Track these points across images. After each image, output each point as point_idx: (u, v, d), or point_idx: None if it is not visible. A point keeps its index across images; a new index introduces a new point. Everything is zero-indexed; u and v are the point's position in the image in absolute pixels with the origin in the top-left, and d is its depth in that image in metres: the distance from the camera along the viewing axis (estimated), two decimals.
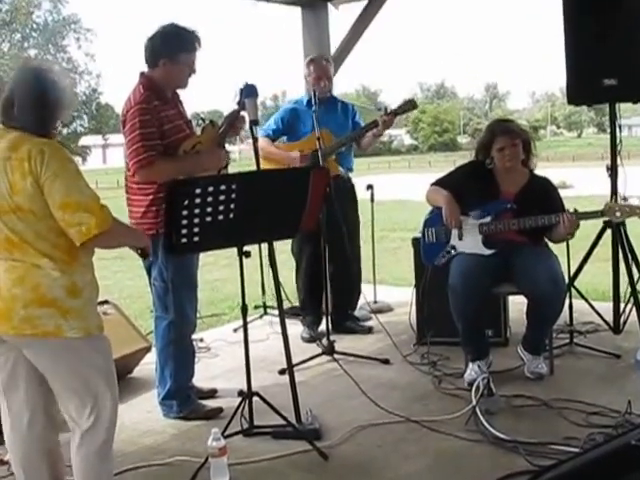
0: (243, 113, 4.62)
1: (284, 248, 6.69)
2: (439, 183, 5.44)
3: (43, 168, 3.05)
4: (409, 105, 6.18)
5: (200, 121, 4.85)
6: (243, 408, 4.31)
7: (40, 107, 3.17)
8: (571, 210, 5.04)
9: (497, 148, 5.24)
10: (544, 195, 5.23)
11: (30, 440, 3.37)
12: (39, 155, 3.05)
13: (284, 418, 4.32)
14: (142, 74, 4.66)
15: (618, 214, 4.98)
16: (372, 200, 7.24)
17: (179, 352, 4.77)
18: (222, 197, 3.93)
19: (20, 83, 3.19)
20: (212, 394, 5.14)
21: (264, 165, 6.24)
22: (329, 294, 6.31)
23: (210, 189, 3.89)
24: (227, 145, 4.79)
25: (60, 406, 3.33)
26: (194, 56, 4.65)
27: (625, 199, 5.18)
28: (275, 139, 6.46)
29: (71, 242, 3.13)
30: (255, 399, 4.33)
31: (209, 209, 3.90)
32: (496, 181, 5.30)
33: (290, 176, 4.67)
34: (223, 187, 3.93)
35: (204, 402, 4.92)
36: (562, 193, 5.34)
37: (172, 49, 4.57)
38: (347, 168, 6.47)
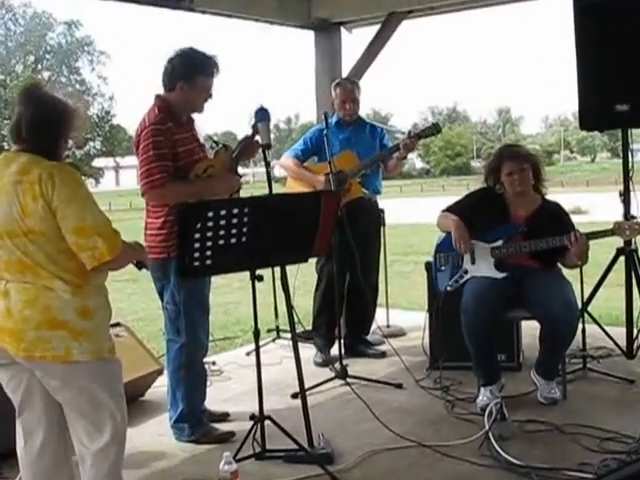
0: (257, 137, 4.64)
1: (295, 272, 6.72)
2: (450, 210, 5.45)
3: (55, 192, 3.06)
4: (433, 129, 6.21)
5: (213, 144, 4.87)
6: (255, 432, 4.31)
7: (47, 130, 3.18)
8: (580, 231, 5.03)
9: (506, 173, 5.26)
10: (555, 219, 5.23)
11: (41, 463, 3.36)
12: (49, 179, 3.06)
13: (296, 442, 4.31)
14: (158, 96, 4.69)
15: (628, 232, 4.97)
16: (384, 224, 7.25)
17: (191, 375, 4.77)
18: (234, 220, 3.95)
19: (27, 105, 3.19)
20: (224, 417, 5.13)
21: (293, 185, 6.35)
22: (342, 317, 6.30)
23: (222, 212, 3.90)
24: (240, 168, 4.81)
25: (70, 428, 3.32)
26: (211, 81, 4.67)
27: (633, 217, 5.17)
28: (305, 159, 6.52)
29: (82, 265, 3.14)
30: (267, 423, 4.33)
31: (221, 232, 3.91)
32: (507, 206, 5.31)
33: (301, 200, 4.69)
34: (235, 211, 3.94)
35: (216, 425, 4.91)
36: (577, 219, 5.34)
37: (190, 72, 4.60)
38: (374, 190, 6.50)
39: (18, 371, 3.28)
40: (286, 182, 6.64)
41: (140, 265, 3.69)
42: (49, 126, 3.18)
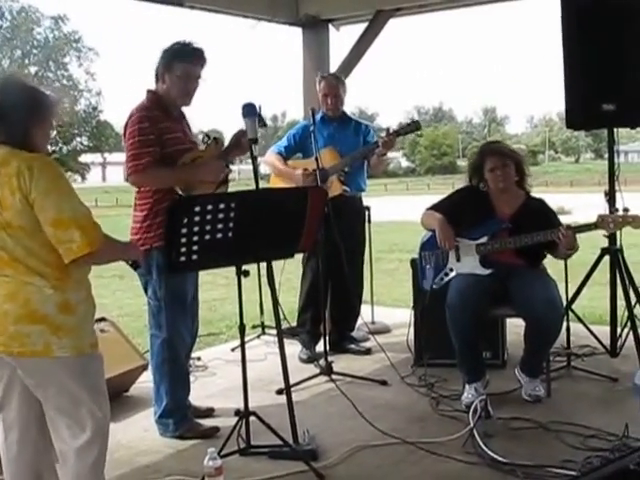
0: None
1: (281, 268, 6.73)
2: (434, 207, 5.46)
3: (32, 184, 2.99)
4: (412, 126, 6.19)
5: (205, 138, 4.86)
6: (240, 427, 4.30)
7: (15, 116, 3.10)
8: (565, 226, 5.05)
9: (488, 169, 5.29)
10: (540, 215, 5.25)
11: (20, 460, 3.33)
12: (28, 171, 3.00)
13: (281, 438, 4.31)
14: (149, 90, 4.73)
15: (611, 225, 4.99)
16: (369, 221, 7.25)
17: (174, 370, 4.76)
18: (221, 215, 3.94)
19: (2, 96, 3.13)
20: (209, 413, 5.13)
21: (276, 182, 6.33)
22: (327, 314, 6.31)
23: (209, 207, 3.89)
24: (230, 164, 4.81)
25: (50, 425, 3.27)
26: (193, 69, 4.67)
27: (626, 210, 5.18)
28: (288, 156, 6.48)
29: (61, 259, 3.08)
30: (252, 419, 4.32)
31: (208, 227, 3.90)
32: (491, 203, 5.33)
33: (288, 195, 4.69)
34: (222, 205, 3.93)
35: (201, 421, 4.91)
36: (561, 219, 5.36)
37: (168, 60, 4.63)
38: (357, 188, 6.47)
39: None
40: (269, 179, 6.64)
41: (135, 265, 3.69)
42: (17, 112, 3.09)
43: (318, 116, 6.37)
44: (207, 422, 4.93)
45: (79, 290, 3.22)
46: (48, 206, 3.01)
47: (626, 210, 5.04)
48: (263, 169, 6.78)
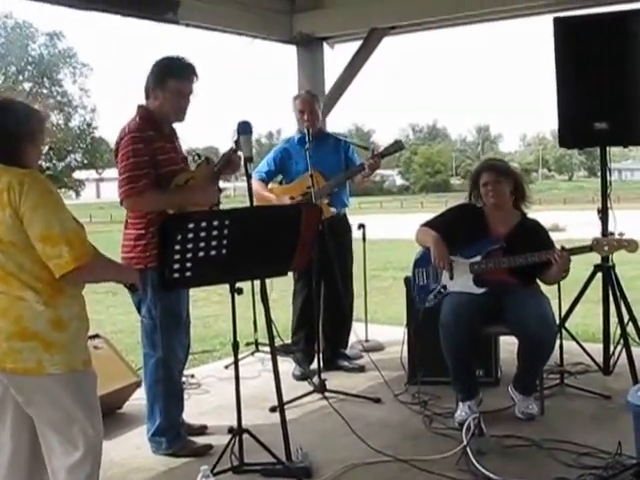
0: (240, 153, 4.61)
1: (275, 286, 6.75)
2: (428, 224, 5.47)
3: (22, 199, 3.00)
4: (396, 146, 6.17)
5: (196, 157, 4.86)
6: (233, 445, 4.29)
7: (12, 135, 3.12)
8: (559, 247, 5.07)
9: (482, 183, 5.32)
10: (534, 236, 5.26)
11: (13, 478, 3.30)
12: (18, 186, 3.01)
13: (274, 456, 4.30)
14: (140, 106, 4.69)
15: (606, 248, 5.02)
16: (364, 239, 7.26)
17: (168, 389, 4.75)
18: (215, 232, 3.94)
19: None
20: (202, 430, 5.11)
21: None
22: (320, 331, 6.31)
23: (203, 224, 3.90)
24: (222, 182, 4.80)
25: (42, 443, 3.25)
26: (186, 85, 4.66)
27: (612, 234, 5.22)
28: (269, 180, 6.46)
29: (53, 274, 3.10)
30: (245, 436, 4.32)
31: (202, 244, 3.90)
32: (486, 222, 5.34)
33: (283, 213, 4.70)
34: (216, 223, 3.94)
35: (194, 439, 4.90)
36: (554, 236, 5.38)
37: (161, 76, 4.61)
38: (341, 205, 6.46)
39: None
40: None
41: (133, 288, 3.69)
42: (6, 128, 3.11)
43: (296, 137, 6.38)
44: (200, 440, 4.91)
45: (71, 306, 3.21)
46: (37, 221, 3.02)
47: (621, 234, 5.06)
48: None
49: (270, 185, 6.47)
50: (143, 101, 4.72)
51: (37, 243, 3.03)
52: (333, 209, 6.24)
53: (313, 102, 6.38)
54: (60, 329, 3.13)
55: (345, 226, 6.59)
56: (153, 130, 4.59)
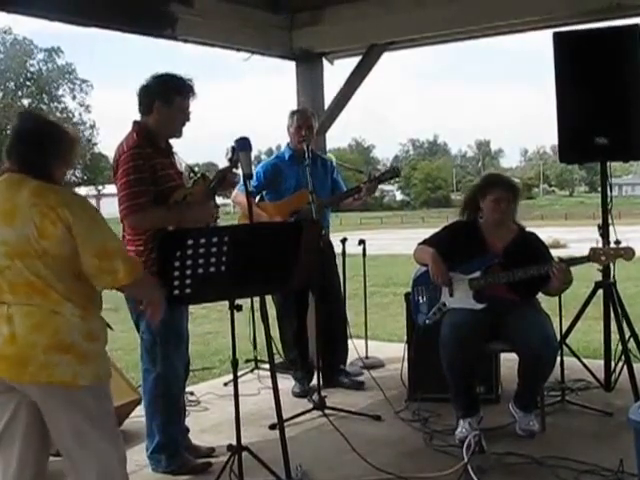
0: (236, 170, 4.59)
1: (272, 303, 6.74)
2: (426, 242, 5.46)
3: (76, 218, 3.11)
4: (392, 173, 6.23)
5: (192, 174, 4.86)
6: (232, 463, 4.26)
7: (44, 153, 3.22)
8: (557, 259, 5.07)
9: (493, 198, 5.25)
10: (532, 249, 5.25)
11: None
12: (67, 206, 3.11)
13: (273, 473, 4.27)
14: (136, 122, 4.68)
15: (604, 258, 5.00)
16: (364, 255, 7.26)
17: (167, 406, 4.73)
18: (214, 249, 3.92)
19: (19, 123, 3.29)
20: (209, 453, 5.02)
21: (243, 221, 6.17)
22: (317, 349, 6.29)
23: (202, 241, 3.87)
24: (222, 198, 4.79)
25: (63, 452, 3.27)
26: (188, 103, 4.67)
27: (618, 242, 5.20)
28: (257, 194, 6.37)
29: (88, 288, 3.19)
30: (245, 454, 4.28)
31: (201, 261, 3.87)
32: (483, 237, 5.33)
33: (283, 230, 4.67)
34: (215, 239, 3.92)
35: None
36: (556, 252, 5.37)
37: (167, 92, 4.60)
38: (326, 226, 6.41)
39: (5, 400, 3.23)
40: (238, 218, 6.49)
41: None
42: (38, 146, 3.21)
43: (287, 153, 6.37)
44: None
45: (100, 319, 3.32)
46: (93, 238, 3.16)
47: (618, 242, 5.05)
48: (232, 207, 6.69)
49: (260, 203, 6.41)
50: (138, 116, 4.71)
51: (91, 259, 3.14)
52: (324, 229, 6.21)
53: (311, 119, 6.39)
54: (92, 340, 3.22)
55: (329, 244, 6.57)
56: (151, 146, 4.58)
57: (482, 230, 5.34)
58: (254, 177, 6.23)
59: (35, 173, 3.19)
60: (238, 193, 6.14)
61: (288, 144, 6.49)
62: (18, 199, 3.13)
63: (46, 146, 3.23)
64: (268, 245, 4.17)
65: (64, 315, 3.13)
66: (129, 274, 3.19)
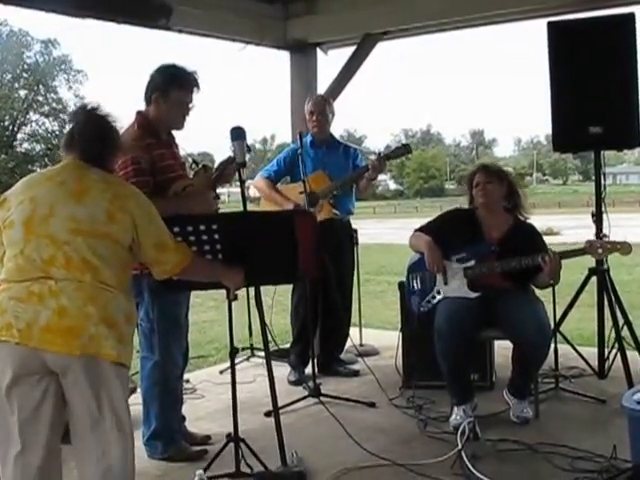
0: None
1: (271, 291, 6.78)
2: (422, 229, 5.47)
3: (138, 210, 3.35)
4: (403, 150, 6.23)
5: (194, 165, 4.85)
6: (222, 449, 4.28)
7: (106, 142, 3.47)
8: (552, 251, 5.08)
9: (475, 184, 5.32)
10: (527, 240, 5.25)
11: None
12: (132, 197, 3.38)
13: (264, 466, 4.29)
14: (139, 112, 4.68)
15: (600, 251, 5.01)
16: (357, 243, 7.26)
17: (164, 393, 4.74)
18: (204, 237, 3.94)
19: (86, 119, 3.48)
20: (205, 441, 5.04)
21: (266, 206, 6.31)
22: (317, 336, 6.31)
23: (189, 228, 3.91)
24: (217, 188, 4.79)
25: (73, 436, 3.26)
26: (189, 97, 4.66)
27: (605, 236, 5.22)
28: (277, 180, 6.50)
29: (128, 277, 3.42)
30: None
31: (194, 248, 3.88)
32: (479, 226, 5.34)
33: (273, 219, 4.63)
34: (202, 227, 3.94)
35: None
36: (549, 240, 5.38)
37: (165, 85, 4.60)
38: (345, 211, 6.49)
39: (33, 385, 3.19)
40: (259, 203, 6.66)
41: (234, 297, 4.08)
42: (98, 137, 3.42)
43: (308, 139, 6.40)
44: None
45: (133, 304, 3.49)
46: (153, 231, 3.42)
47: (604, 236, 5.07)
48: (253, 192, 6.77)
49: (279, 185, 6.53)
50: (141, 107, 4.71)
51: (150, 250, 3.41)
52: (336, 211, 6.28)
53: (324, 105, 6.45)
54: (130, 324, 3.35)
55: (348, 232, 6.64)
56: (151, 137, 4.58)
57: (479, 219, 5.35)
58: (276, 163, 6.44)
59: (95, 162, 3.39)
60: (259, 179, 6.46)
61: (309, 130, 6.55)
62: (87, 181, 3.32)
63: (105, 141, 3.45)
64: (262, 234, 4.16)
65: (112, 292, 3.22)
66: (177, 265, 3.49)
